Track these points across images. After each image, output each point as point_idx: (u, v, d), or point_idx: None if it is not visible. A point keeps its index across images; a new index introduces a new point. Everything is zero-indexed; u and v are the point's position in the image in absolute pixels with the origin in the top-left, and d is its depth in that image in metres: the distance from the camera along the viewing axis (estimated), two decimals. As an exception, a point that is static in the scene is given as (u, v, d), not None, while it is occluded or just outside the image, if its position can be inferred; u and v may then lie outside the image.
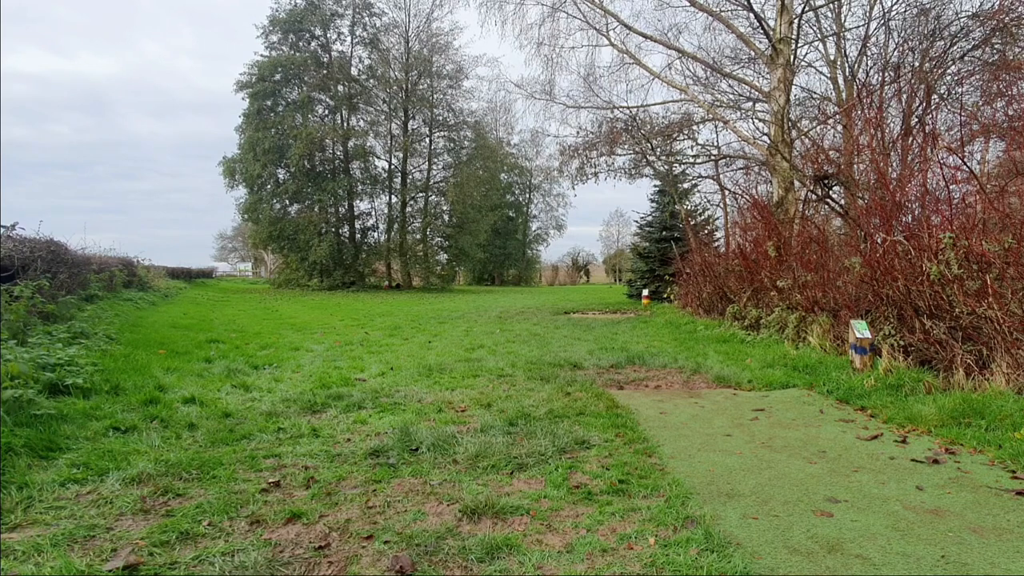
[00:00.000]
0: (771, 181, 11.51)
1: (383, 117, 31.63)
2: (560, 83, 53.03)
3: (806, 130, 12.42)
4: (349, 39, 31.03)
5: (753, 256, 9.21)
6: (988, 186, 5.57)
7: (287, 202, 30.05)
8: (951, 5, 11.29)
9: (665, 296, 16.74)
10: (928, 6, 11.39)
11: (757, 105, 13.81)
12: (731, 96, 14.34)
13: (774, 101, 10.90)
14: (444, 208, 34.30)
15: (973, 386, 4.29)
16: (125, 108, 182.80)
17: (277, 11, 29.51)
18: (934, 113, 8.98)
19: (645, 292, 16.85)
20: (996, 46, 10.67)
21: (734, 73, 13.60)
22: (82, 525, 2.31)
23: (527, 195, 48.99)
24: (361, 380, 5.38)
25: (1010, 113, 7.27)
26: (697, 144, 15.44)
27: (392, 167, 32.42)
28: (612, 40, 13.47)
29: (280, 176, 29.99)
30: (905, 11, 11.93)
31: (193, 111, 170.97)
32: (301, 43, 29.84)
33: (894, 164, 7.05)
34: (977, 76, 10.53)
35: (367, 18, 30.76)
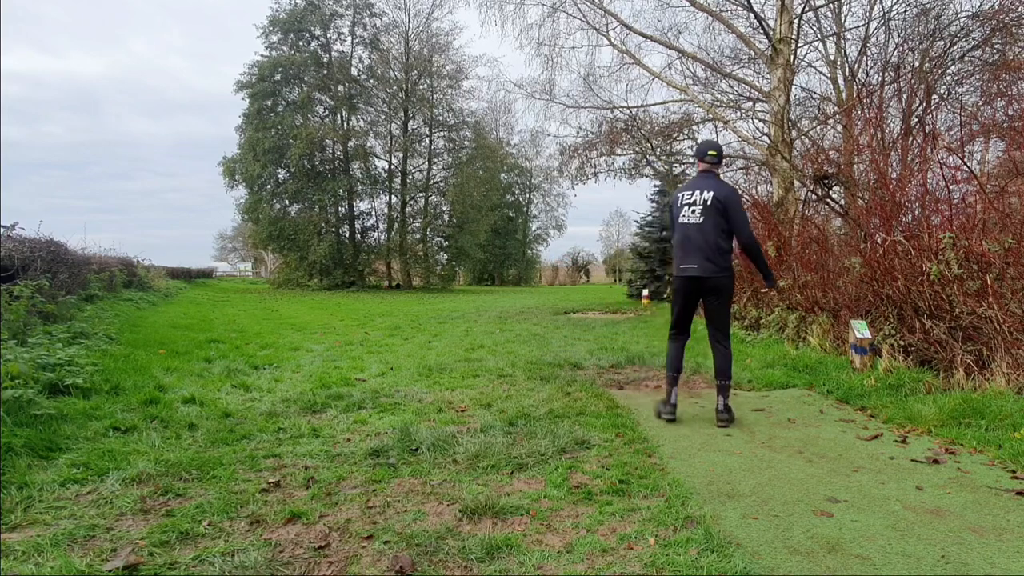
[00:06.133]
0: (771, 181, 11.50)
1: (383, 117, 31.63)
2: (560, 83, 52.88)
3: (806, 130, 12.42)
4: (349, 39, 31.05)
5: (753, 256, 9.19)
6: (988, 186, 5.57)
7: (287, 202, 30.06)
8: (951, 5, 11.29)
9: (665, 296, 16.74)
10: (928, 6, 11.39)
11: (757, 105, 13.80)
12: (731, 96, 14.33)
13: (774, 101, 10.89)
14: (444, 208, 34.29)
15: (973, 386, 4.29)
16: (117, 108, 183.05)
17: (277, 11, 29.52)
18: (934, 113, 8.97)
19: (645, 292, 16.85)
20: (996, 46, 10.66)
21: (734, 73, 13.60)
22: (82, 525, 2.31)
23: (527, 195, 48.99)
24: (361, 380, 5.38)
25: (1010, 113, 7.27)
26: (697, 144, 15.43)
27: (392, 167, 32.42)
28: (612, 40, 13.46)
29: (280, 176, 30.00)
30: (905, 11, 11.93)
31: (186, 111, 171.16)
32: (301, 43, 29.83)
33: (894, 164, 7.05)
34: (977, 76, 10.53)
35: (367, 18, 30.78)
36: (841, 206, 8.43)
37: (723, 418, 3.91)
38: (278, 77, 29.24)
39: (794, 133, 11.64)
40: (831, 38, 13.93)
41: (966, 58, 11.07)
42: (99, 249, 14.84)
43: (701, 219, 3.84)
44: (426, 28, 30.98)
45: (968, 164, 5.58)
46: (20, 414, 3.41)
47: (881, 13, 12.43)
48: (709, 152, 3.99)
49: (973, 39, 10.86)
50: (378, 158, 32.18)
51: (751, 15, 11.77)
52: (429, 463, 3.09)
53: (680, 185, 3.80)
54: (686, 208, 3.91)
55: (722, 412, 3.92)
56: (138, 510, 2.47)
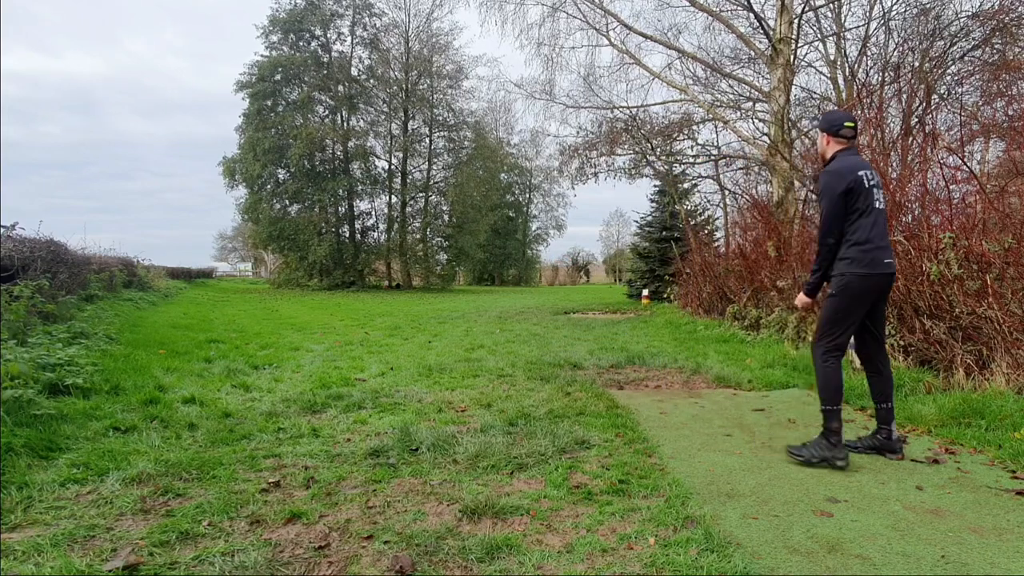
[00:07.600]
0: (771, 181, 11.50)
1: (383, 117, 31.65)
2: (560, 83, 52.92)
3: (806, 130, 12.43)
4: (349, 39, 31.06)
5: (753, 256, 9.21)
6: (988, 186, 5.57)
7: (287, 202, 30.07)
8: (951, 5, 11.30)
9: (665, 296, 16.73)
10: (928, 6, 11.39)
11: (757, 105, 13.81)
12: (731, 96, 14.35)
13: (774, 101, 10.89)
14: (444, 208, 34.32)
15: (973, 386, 4.29)
16: (115, 108, 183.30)
17: (277, 11, 29.53)
18: (934, 113, 8.96)
19: (645, 292, 16.87)
20: (996, 46, 10.67)
21: (734, 73, 13.61)
22: (82, 525, 2.31)
23: (527, 195, 49.00)
24: (361, 380, 5.38)
25: (1010, 113, 7.27)
26: (697, 144, 15.46)
27: (392, 167, 32.43)
28: (612, 40, 13.47)
29: (280, 176, 30.01)
30: (905, 11, 11.94)
31: (185, 111, 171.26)
32: (301, 43, 29.85)
33: (894, 164, 7.05)
34: (977, 76, 10.53)
35: (367, 18, 30.79)
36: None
37: (899, 448, 3.26)
38: (278, 77, 29.25)
39: (794, 133, 11.65)
40: (831, 38, 13.94)
41: (966, 58, 11.07)
42: (99, 249, 14.87)
43: (884, 204, 3.23)
44: (426, 28, 31.02)
45: (968, 164, 5.59)
46: (20, 414, 3.41)
47: (881, 13, 12.44)
48: (846, 124, 3.19)
49: (973, 39, 10.86)
50: (378, 158, 32.22)
51: (751, 15, 11.78)
52: (429, 463, 3.09)
53: (841, 162, 3.15)
54: (876, 191, 3.14)
55: (897, 441, 3.29)
56: (138, 510, 2.47)
